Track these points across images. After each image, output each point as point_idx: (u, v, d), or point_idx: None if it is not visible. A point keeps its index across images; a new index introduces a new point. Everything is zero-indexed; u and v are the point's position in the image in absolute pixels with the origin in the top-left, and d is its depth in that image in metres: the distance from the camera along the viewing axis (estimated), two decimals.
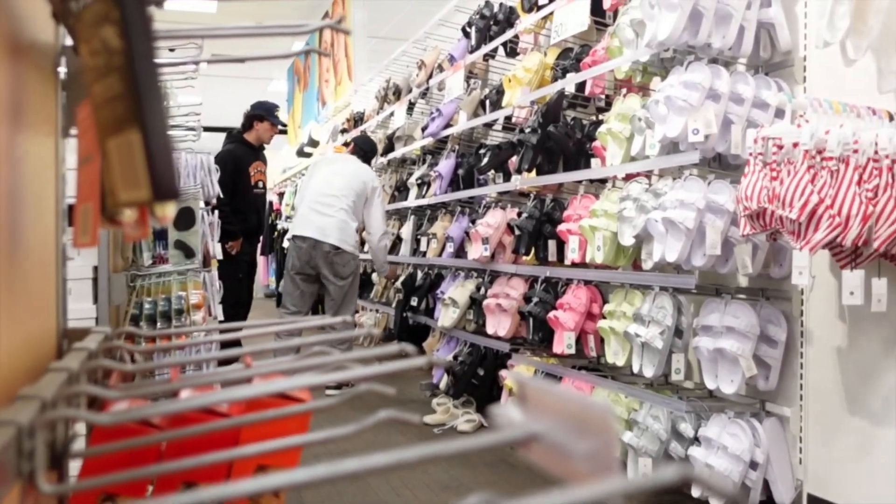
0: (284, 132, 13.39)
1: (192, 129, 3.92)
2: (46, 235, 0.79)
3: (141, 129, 0.41)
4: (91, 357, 0.66)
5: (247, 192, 5.74)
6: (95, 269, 2.48)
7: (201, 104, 3.60)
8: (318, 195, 4.96)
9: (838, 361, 2.60)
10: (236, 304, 5.48)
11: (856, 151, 2.19)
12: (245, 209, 5.69)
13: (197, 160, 4.03)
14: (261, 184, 6.00)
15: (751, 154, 2.40)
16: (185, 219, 3.04)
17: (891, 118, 2.39)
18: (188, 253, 2.98)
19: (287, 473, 0.48)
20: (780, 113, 2.67)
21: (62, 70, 0.85)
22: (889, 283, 2.29)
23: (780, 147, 2.31)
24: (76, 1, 0.67)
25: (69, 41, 0.90)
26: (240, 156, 5.70)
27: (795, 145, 2.27)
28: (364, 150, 5.44)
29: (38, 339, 0.74)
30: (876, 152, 2.18)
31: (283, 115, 6.20)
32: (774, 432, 2.71)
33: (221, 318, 3.90)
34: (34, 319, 0.74)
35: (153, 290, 2.69)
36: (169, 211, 0.63)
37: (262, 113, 5.89)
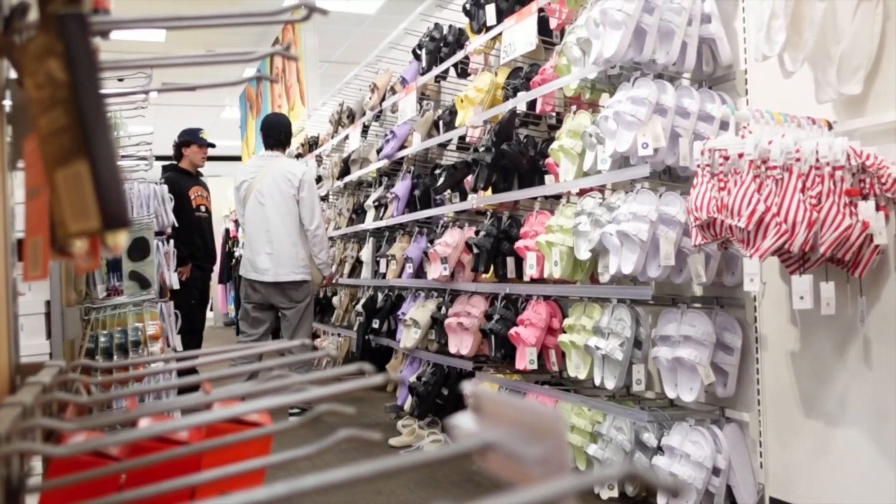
0: (232, 154, 13.28)
1: (143, 158, 3.88)
2: None
3: (89, 160, 0.41)
4: (45, 391, 0.65)
5: (189, 217, 5.71)
6: (48, 303, 2.43)
7: (152, 133, 3.57)
8: (255, 232, 4.85)
9: (793, 365, 2.67)
10: (190, 331, 5.43)
11: (798, 160, 2.26)
12: (189, 233, 5.65)
13: (150, 190, 3.98)
14: (203, 208, 5.99)
15: (698, 166, 2.46)
16: (140, 249, 2.99)
17: (829, 127, 2.48)
18: (143, 283, 2.94)
19: (246, 493, 0.48)
20: (724, 125, 2.75)
21: (7, 103, 0.84)
22: (837, 287, 2.36)
23: (727, 158, 2.38)
24: (19, 34, 0.67)
25: (13, 74, 0.89)
26: (177, 181, 5.68)
27: (741, 156, 2.34)
28: (275, 137, 5.05)
29: None
30: (817, 160, 2.25)
31: (213, 138, 6.15)
32: (735, 438, 2.76)
33: (180, 348, 3.84)
34: None
35: (108, 323, 2.64)
36: (120, 240, 0.63)
37: (188, 138, 5.96)
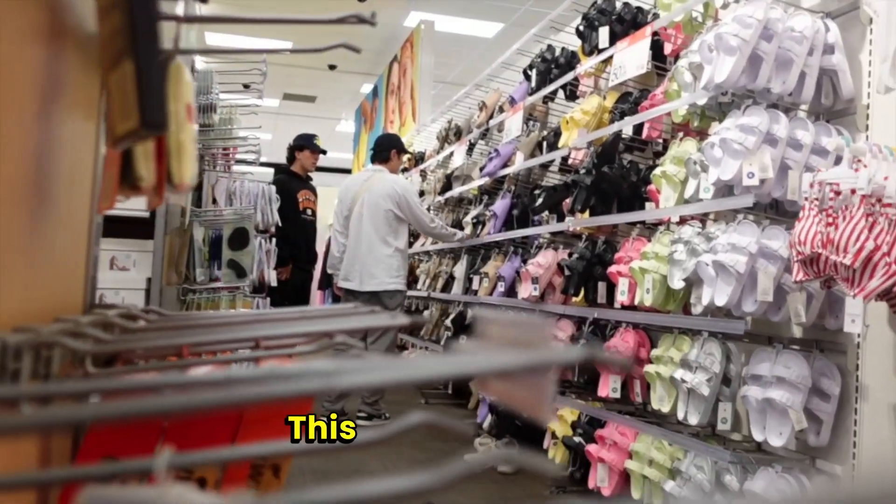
0: (343, 167, 13.67)
1: (250, 162, 4.14)
2: (79, 209, 0.82)
3: (134, 59, 0.43)
4: (98, 325, 0.68)
5: (295, 218, 5.94)
6: (149, 280, 2.56)
7: (260, 140, 3.75)
8: (353, 242, 5.09)
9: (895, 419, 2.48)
10: None
11: None
12: (293, 235, 5.86)
13: (258, 188, 4.18)
14: (309, 211, 6.22)
15: (806, 198, 2.35)
16: (239, 239, 3.12)
17: None
18: (240, 272, 3.05)
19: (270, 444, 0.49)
20: (839, 160, 2.61)
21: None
22: None
23: (838, 193, 2.25)
24: None
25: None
26: (287, 183, 5.95)
27: (853, 192, 2.21)
28: (379, 151, 5.36)
29: (61, 304, 0.77)
30: None
31: (333, 145, 6.40)
32: None
33: None
34: (60, 285, 0.77)
35: (203, 305, 2.75)
36: (186, 177, 0.65)
37: (302, 143, 6.26)
